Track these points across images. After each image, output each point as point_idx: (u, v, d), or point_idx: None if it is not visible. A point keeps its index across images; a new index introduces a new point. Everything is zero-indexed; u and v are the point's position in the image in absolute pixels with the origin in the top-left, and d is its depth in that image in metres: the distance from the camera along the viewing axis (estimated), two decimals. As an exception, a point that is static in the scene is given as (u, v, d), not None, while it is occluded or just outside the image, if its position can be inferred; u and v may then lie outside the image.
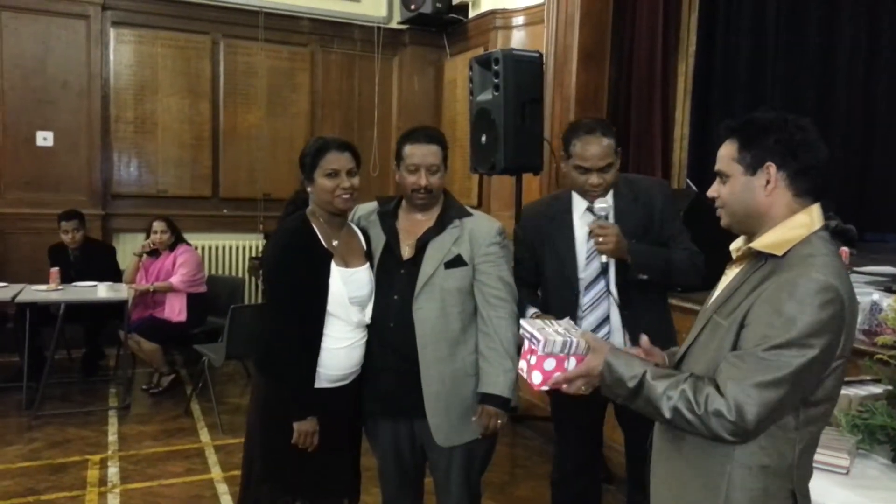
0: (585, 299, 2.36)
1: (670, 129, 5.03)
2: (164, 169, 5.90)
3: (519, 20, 5.51)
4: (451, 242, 2.20)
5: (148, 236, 5.00)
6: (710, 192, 1.52)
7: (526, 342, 1.58)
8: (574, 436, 2.50)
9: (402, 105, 6.59)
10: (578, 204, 2.40)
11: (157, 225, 4.96)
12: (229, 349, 4.28)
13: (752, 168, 1.43)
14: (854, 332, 1.40)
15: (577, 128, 2.36)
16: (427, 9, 5.93)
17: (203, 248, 5.84)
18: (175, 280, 4.87)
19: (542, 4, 5.25)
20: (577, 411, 2.40)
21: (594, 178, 2.30)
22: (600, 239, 2.26)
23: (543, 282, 2.46)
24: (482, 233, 2.22)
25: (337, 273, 2.16)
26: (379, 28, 6.39)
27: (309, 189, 2.21)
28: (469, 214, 2.26)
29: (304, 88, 6.29)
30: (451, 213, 2.25)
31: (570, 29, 5.02)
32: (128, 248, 5.47)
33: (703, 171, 5.11)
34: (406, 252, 2.22)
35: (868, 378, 2.17)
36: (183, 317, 4.88)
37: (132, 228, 5.66)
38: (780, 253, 1.38)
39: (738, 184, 1.45)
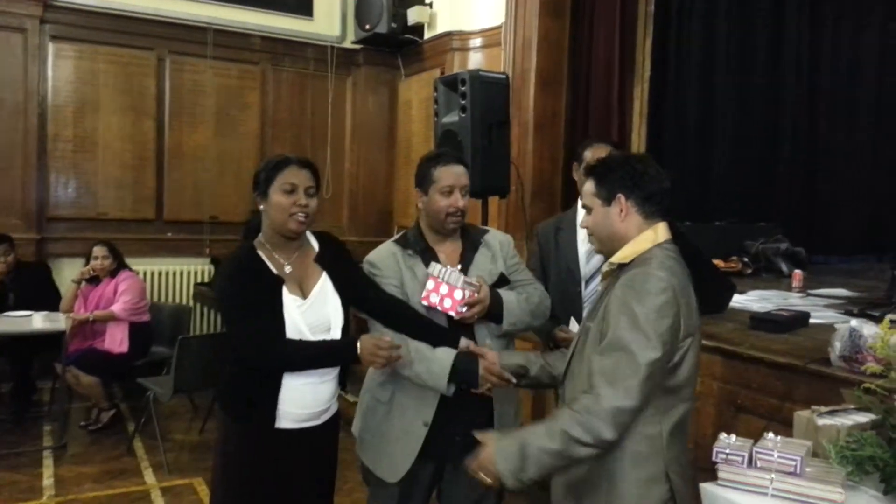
0: (587, 291, 2.57)
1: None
2: (105, 190, 5.60)
3: (476, 42, 5.48)
4: (488, 262, 2.21)
5: (88, 262, 4.71)
6: (582, 225, 1.84)
7: (431, 281, 2.05)
8: None
9: (356, 126, 6.46)
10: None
11: (98, 250, 4.68)
12: (177, 382, 4.03)
13: (608, 200, 1.72)
14: (692, 316, 1.64)
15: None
16: (382, 29, 5.84)
17: (146, 274, 5.55)
18: (117, 308, 4.59)
19: (500, 27, 5.24)
20: None
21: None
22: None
23: (550, 280, 2.62)
24: (505, 244, 2.30)
25: (291, 302, 1.99)
26: (332, 47, 6.27)
27: (261, 207, 2.01)
28: (486, 230, 2.33)
29: (254, 107, 6.09)
30: (472, 232, 2.27)
31: (527, 53, 5.01)
32: (65, 274, 5.14)
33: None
34: None
35: (852, 407, 2.14)
36: (125, 348, 4.60)
37: (70, 253, 5.34)
38: (627, 261, 1.69)
39: (599, 214, 1.74)
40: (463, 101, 3.37)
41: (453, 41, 5.59)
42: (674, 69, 5.78)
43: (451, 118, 3.47)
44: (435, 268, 2.08)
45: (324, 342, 2.03)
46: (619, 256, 1.71)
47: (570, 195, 5.06)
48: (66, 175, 5.49)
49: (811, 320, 3.14)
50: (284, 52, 6.16)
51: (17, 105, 5.27)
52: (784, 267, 5.25)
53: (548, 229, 2.73)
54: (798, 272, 4.73)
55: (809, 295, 4.27)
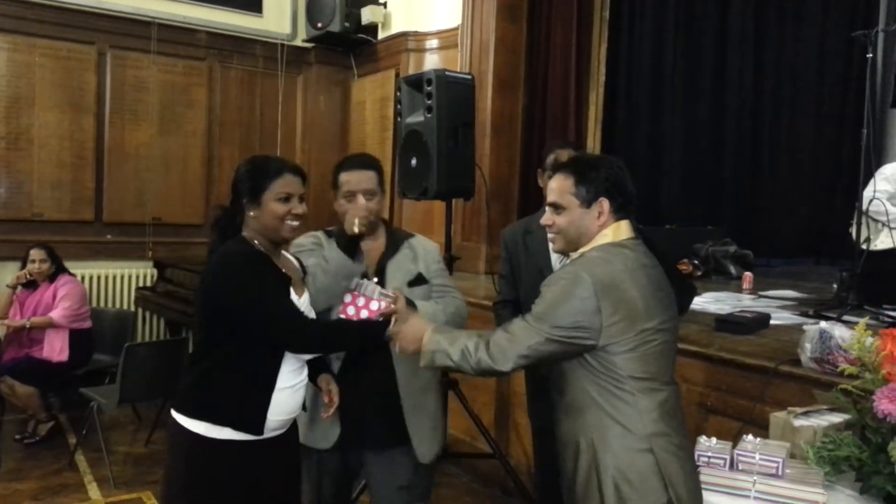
0: None
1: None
2: (40, 190, 5.29)
3: (433, 43, 5.43)
4: (408, 261, 2.25)
5: (24, 266, 4.44)
6: (544, 222, 1.82)
7: (348, 295, 2.09)
8: None
9: (307, 125, 6.31)
10: None
11: (36, 253, 4.42)
12: (123, 392, 3.84)
13: (588, 202, 1.73)
14: (643, 307, 1.67)
15: None
16: (335, 27, 5.72)
17: (85, 278, 5.28)
18: (56, 315, 4.34)
19: (456, 29, 5.20)
20: None
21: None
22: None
23: (523, 285, 2.63)
24: (430, 250, 2.33)
25: (295, 300, 1.96)
26: (283, 45, 6.11)
27: (251, 213, 1.95)
28: (412, 235, 2.36)
29: (200, 105, 5.88)
30: (397, 235, 2.33)
31: (484, 55, 4.99)
32: (-1, 279, 4.85)
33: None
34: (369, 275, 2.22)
35: (826, 408, 2.18)
36: (64, 356, 4.36)
37: (2, 256, 5.03)
38: (576, 256, 1.77)
39: (575, 215, 1.75)
40: (429, 101, 3.31)
41: (409, 42, 5.52)
42: (625, 75, 5.87)
43: (416, 118, 3.41)
44: (353, 281, 2.12)
45: (357, 322, 2.08)
46: (576, 256, 1.77)
47: (527, 198, 5.07)
48: (-4, 174, 5.17)
49: (771, 322, 3.21)
50: (233, 49, 5.97)
51: (-56, 99, 4.94)
52: (732, 269, 5.39)
53: (515, 233, 2.73)
54: (748, 274, 4.86)
55: (761, 297, 4.38)
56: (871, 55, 3.16)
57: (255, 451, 1.91)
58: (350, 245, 2.12)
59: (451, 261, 3.52)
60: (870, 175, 3.81)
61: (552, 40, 5.02)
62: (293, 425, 2.06)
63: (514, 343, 1.69)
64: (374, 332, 2.01)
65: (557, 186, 1.78)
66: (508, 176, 5.05)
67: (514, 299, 2.70)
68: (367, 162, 2.24)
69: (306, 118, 6.31)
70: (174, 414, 1.94)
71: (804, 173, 6.32)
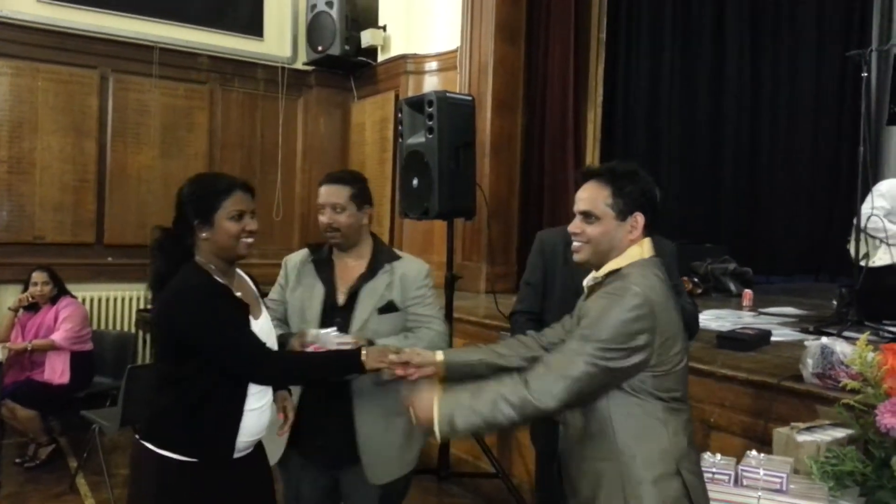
0: None
1: (582, 176, 5.14)
2: (42, 213, 5.31)
3: (432, 66, 5.49)
4: (382, 288, 2.22)
5: (26, 288, 4.45)
6: (573, 229, 1.71)
7: (310, 347, 2.07)
8: None
9: (308, 147, 6.36)
10: None
11: (38, 276, 4.44)
12: (126, 414, 3.82)
13: (623, 215, 1.66)
14: (675, 326, 1.64)
15: None
16: (335, 51, 5.79)
17: (86, 300, 5.28)
18: (57, 337, 4.34)
19: (455, 51, 5.27)
20: None
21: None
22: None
23: (552, 298, 2.53)
24: (411, 276, 2.26)
25: (254, 325, 1.95)
26: (283, 68, 6.17)
27: (203, 235, 1.93)
28: (398, 258, 2.30)
29: (201, 128, 5.92)
30: (381, 257, 2.28)
31: (483, 76, 5.05)
32: (1, 301, 4.84)
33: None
34: (340, 299, 2.23)
35: (828, 423, 2.18)
36: (66, 378, 4.35)
37: (3, 279, 5.04)
38: (608, 270, 1.68)
39: (609, 226, 1.67)
40: (430, 123, 3.34)
41: (408, 64, 5.59)
42: (623, 94, 5.94)
43: (418, 139, 3.44)
44: (309, 333, 2.13)
45: (323, 353, 2.04)
46: (606, 269, 1.69)
47: (527, 217, 5.11)
48: (-1, 197, 5.20)
49: (771, 338, 3.23)
50: (234, 73, 6.02)
51: (-52, 123, 4.98)
52: (732, 286, 5.41)
53: (556, 241, 2.56)
54: (748, 291, 4.88)
55: (761, 314, 4.40)
56: (865, 74, 3.21)
57: (223, 472, 1.92)
58: (324, 262, 2.21)
59: (452, 280, 3.53)
60: (866, 192, 3.84)
61: (550, 61, 5.08)
62: (256, 449, 2.05)
63: (561, 372, 1.57)
64: (348, 364, 1.99)
65: (591, 195, 1.69)
66: (508, 195, 5.09)
67: (538, 312, 2.56)
68: (338, 177, 2.28)
69: (307, 140, 6.36)
70: (142, 441, 1.92)
71: (803, 190, 6.36)
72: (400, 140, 3.59)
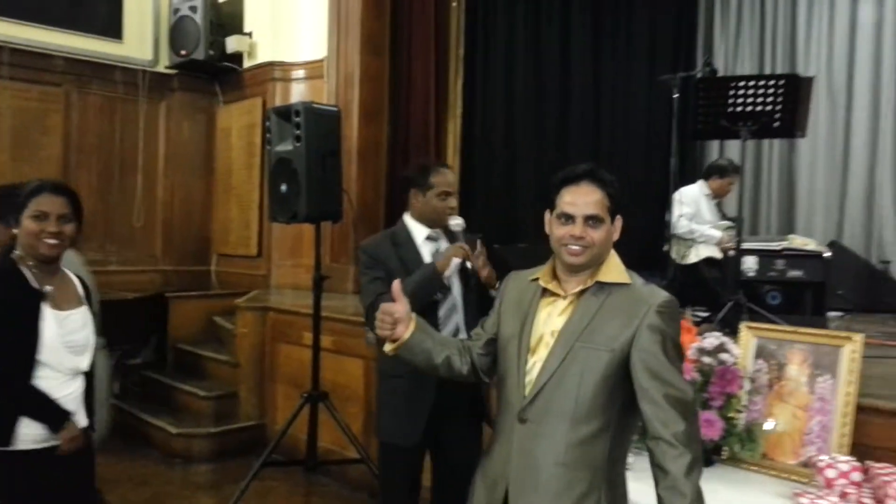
0: (441, 312, 2.54)
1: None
2: None
3: (299, 74, 5.63)
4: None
5: None
6: (579, 233, 1.63)
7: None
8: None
9: (171, 151, 6.28)
10: (419, 231, 2.65)
11: None
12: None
13: (612, 217, 1.69)
14: None
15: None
16: (199, 55, 5.78)
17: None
18: None
19: (322, 61, 5.45)
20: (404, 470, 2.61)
21: (453, 202, 2.63)
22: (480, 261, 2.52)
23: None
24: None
25: (50, 315, 2.07)
26: (144, 71, 6.07)
27: (15, 232, 2.10)
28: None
29: (56, 131, 5.71)
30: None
31: (350, 86, 5.28)
32: None
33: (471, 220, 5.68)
34: None
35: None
36: None
37: None
38: (629, 281, 1.67)
39: (607, 230, 1.67)
40: (297, 132, 3.52)
41: (275, 71, 5.70)
42: (481, 106, 6.35)
43: (286, 147, 3.61)
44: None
45: (48, 402, 2.08)
46: (612, 276, 1.67)
47: (392, 220, 5.32)
48: None
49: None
50: (91, 75, 5.85)
51: None
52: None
53: (383, 244, 2.64)
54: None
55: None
56: (676, 95, 3.75)
57: (27, 464, 2.00)
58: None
59: (320, 280, 3.72)
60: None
61: (412, 74, 5.39)
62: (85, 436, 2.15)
63: (692, 411, 1.61)
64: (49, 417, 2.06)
65: (595, 199, 1.66)
66: (374, 199, 5.34)
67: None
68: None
69: (169, 144, 6.27)
70: None
71: (638, 196, 7.03)
72: (268, 147, 3.73)
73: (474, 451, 2.40)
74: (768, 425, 2.23)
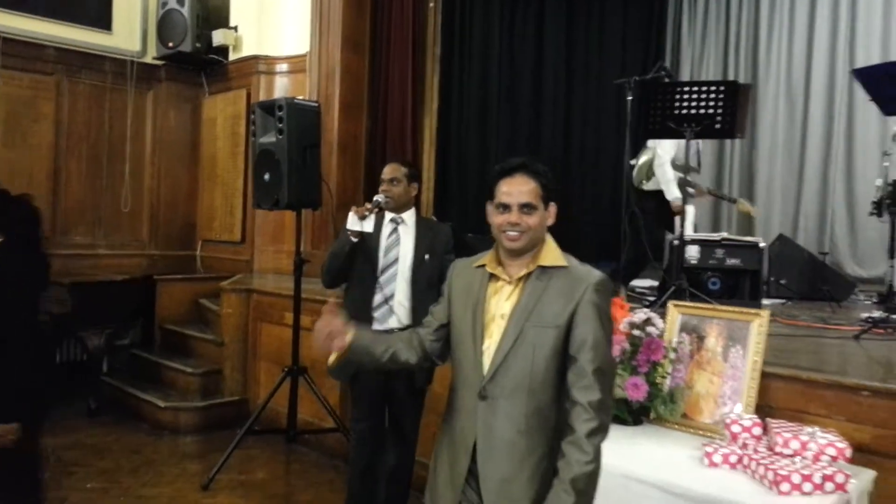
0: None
1: (419, 174, 5.80)
2: None
3: (283, 67, 5.90)
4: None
5: None
6: (513, 220, 1.80)
7: None
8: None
9: (157, 140, 6.51)
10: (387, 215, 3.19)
11: None
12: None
13: (545, 204, 1.84)
14: None
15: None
16: (186, 47, 6.03)
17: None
18: None
19: (305, 55, 5.71)
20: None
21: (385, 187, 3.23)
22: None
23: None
24: None
25: None
26: (132, 62, 6.30)
27: None
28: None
29: (47, 119, 5.93)
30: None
31: (331, 81, 5.56)
32: None
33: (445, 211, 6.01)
34: None
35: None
36: None
37: None
38: (566, 264, 1.83)
39: (540, 216, 1.82)
40: (280, 125, 3.81)
41: (259, 64, 5.96)
42: (457, 102, 6.65)
43: (269, 139, 3.90)
44: None
45: None
46: (553, 261, 1.82)
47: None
48: None
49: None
50: (81, 65, 6.07)
51: None
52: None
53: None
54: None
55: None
56: (630, 98, 4.08)
57: None
58: None
59: (300, 264, 4.02)
60: (631, 190, 4.79)
61: (391, 71, 5.67)
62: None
63: (610, 385, 1.80)
64: None
65: (529, 189, 1.82)
66: (353, 189, 5.63)
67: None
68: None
69: (156, 133, 6.51)
70: None
71: (605, 189, 7.38)
72: (253, 138, 4.02)
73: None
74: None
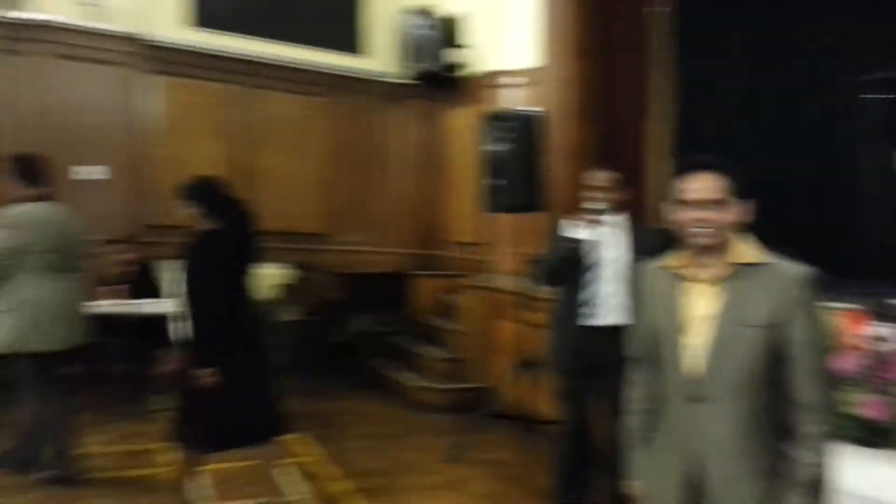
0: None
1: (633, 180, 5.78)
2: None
3: (514, 80, 6.25)
4: None
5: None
6: (701, 216, 1.78)
7: None
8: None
9: (406, 152, 7.33)
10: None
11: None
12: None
13: (734, 201, 1.80)
14: None
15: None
16: (432, 67, 6.70)
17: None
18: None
19: (534, 68, 6.00)
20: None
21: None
22: None
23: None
24: None
25: None
26: (388, 83, 7.16)
27: None
28: None
29: (316, 133, 6.94)
30: None
31: (559, 91, 5.68)
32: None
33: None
34: None
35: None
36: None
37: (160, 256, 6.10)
38: (768, 261, 1.79)
39: (729, 212, 1.79)
40: (509, 134, 4.16)
41: (493, 78, 6.42)
42: (690, 109, 6.46)
43: (500, 146, 4.26)
44: None
45: None
46: (751, 256, 1.80)
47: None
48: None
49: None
50: (346, 87, 7.05)
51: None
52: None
53: None
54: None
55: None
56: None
57: None
58: None
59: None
60: None
61: (617, 78, 5.73)
62: None
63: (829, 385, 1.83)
64: None
65: (716, 184, 1.79)
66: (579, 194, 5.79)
67: None
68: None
69: (406, 145, 7.33)
70: None
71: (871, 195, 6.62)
72: (485, 147, 4.40)
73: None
74: None
